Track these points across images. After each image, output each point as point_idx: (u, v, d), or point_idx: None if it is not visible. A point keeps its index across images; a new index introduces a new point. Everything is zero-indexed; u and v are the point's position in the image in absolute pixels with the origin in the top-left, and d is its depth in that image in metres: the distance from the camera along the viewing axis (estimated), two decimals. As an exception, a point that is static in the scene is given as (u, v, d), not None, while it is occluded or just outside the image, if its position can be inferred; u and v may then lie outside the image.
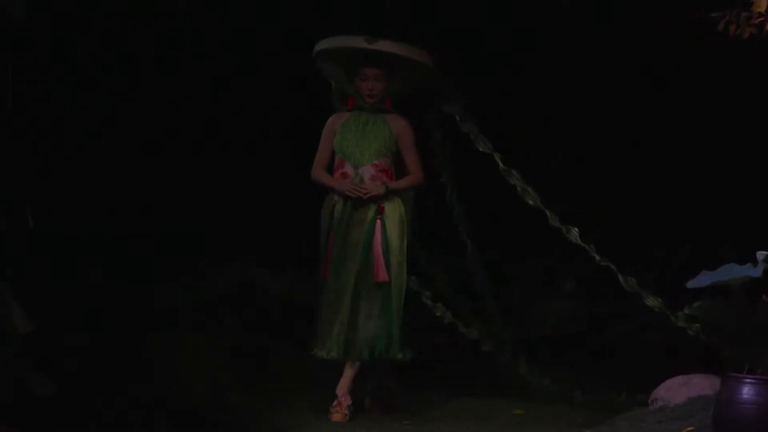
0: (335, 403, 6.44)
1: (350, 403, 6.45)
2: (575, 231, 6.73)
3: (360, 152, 6.57)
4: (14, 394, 5.66)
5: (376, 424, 6.39)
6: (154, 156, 8.10)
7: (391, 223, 6.53)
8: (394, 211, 6.55)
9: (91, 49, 7.84)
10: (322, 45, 6.61)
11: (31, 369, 5.81)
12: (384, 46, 6.48)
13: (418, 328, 6.85)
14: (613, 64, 8.16)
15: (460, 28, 7.90)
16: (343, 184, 6.53)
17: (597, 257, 6.68)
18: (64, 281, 7.26)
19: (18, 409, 5.63)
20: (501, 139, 7.00)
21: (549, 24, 7.96)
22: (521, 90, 8.34)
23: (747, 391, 5.05)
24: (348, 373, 6.51)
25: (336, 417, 6.39)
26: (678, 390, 5.88)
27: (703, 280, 5.15)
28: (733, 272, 5.08)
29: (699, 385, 5.85)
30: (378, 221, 6.52)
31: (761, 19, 5.79)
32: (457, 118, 6.90)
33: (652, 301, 6.66)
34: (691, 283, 5.16)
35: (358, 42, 6.49)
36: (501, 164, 6.83)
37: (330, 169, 6.66)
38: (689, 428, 5.42)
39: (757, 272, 5.02)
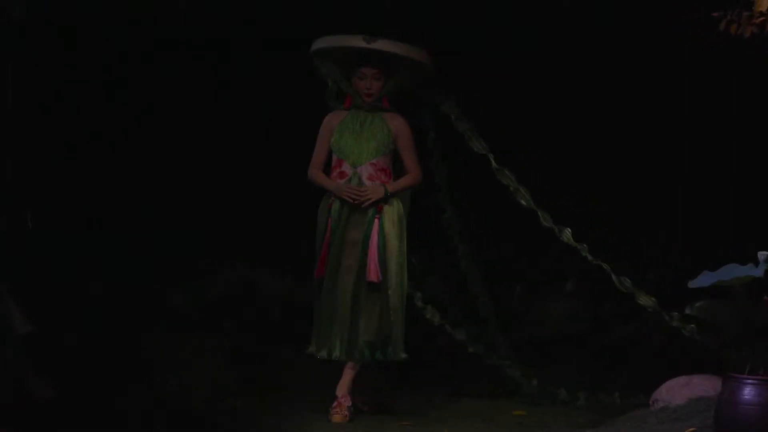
0: (335, 404, 6.43)
1: (350, 404, 6.44)
2: (568, 231, 6.74)
3: (358, 151, 6.55)
4: (13, 395, 5.64)
5: (377, 424, 6.39)
6: (153, 156, 8.10)
7: (390, 223, 6.51)
8: (392, 211, 6.54)
9: (91, 49, 7.83)
10: (320, 44, 6.60)
11: (30, 370, 5.80)
12: (382, 45, 6.47)
13: (418, 329, 6.85)
14: (613, 64, 8.15)
15: (460, 28, 7.89)
16: (342, 189, 6.51)
17: (590, 257, 6.68)
18: (64, 281, 7.26)
19: (17, 411, 5.62)
20: (500, 139, 7.00)
21: (549, 24, 7.94)
22: (521, 90, 8.34)
23: (748, 392, 5.04)
24: (348, 374, 6.50)
25: (336, 418, 6.38)
26: (679, 391, 5.87)
27: (704, 280, 5.14)
28: (734, 272, 5.07)
29: (700, 385, 5.84)
30: (376, 221, 6.51)
31: (763, 18, 5.78)
32: (452, 117, 6.91)
33: (645, 301, 6.67)
34: (693, 283, 5.15)
35: (357, 41, 6.48)
36: (494, 164, 6.83)
37: (327, 168, 6.65)
38: (690, 429, 5.41)
39: (758, 272, 5.01)
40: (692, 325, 6.55)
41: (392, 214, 6.54)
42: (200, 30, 7.91)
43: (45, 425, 5.67)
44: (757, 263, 5.06)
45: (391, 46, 6.48)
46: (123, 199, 7.95)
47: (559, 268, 8.36)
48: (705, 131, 8.15)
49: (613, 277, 6.67)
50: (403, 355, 6.48)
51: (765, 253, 5.05)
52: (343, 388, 6.47)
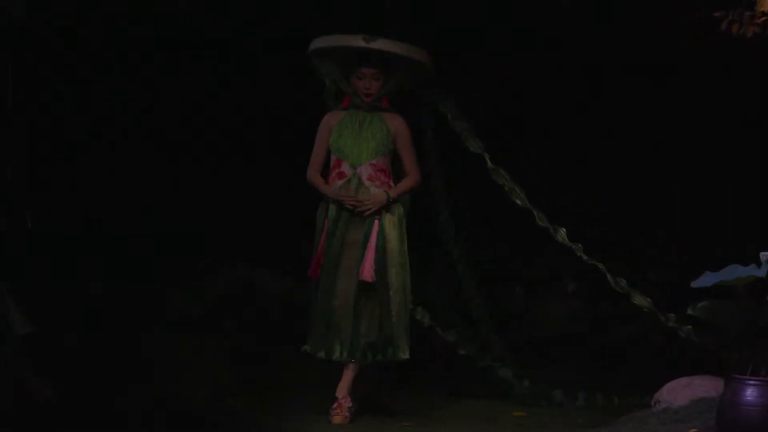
0: (335, 405, 6.41)
1: (351, 405, 6.43)
2: (563, 231, 6.73)
3: (358, 151, 6.53)
4: (13, 396, 5.64)
5: (377, 425, 6.38)
6: (153, 156, 8.09)
7: (390, 225, 6.51)
8: (392, 212, 6.53)
9: (91, 49, 7.82)
10: (319, 43, 6.59)
11: (30, 370, 5.79)
12: (382, 45, 6.46)
13: (415, 330, 6.84)
14: (613, 64, 8.15)
15: (460, 28, 7.89)
16: (342, 197, 6.49)
17: (585, 257, 6.68)
18: (64, 281, 7.25)
19: (17, 411, 5.61)
20: (500, 139, 7.00)
21: (549, 24, 7.94)
22: (521, 90, 8.34)
23: (750, 393, 5.04)
24: (348, 375, 6.48)
25: (336, 419, 6.37)
26: (681, 392, 5.87)
27: (706, 280, 5.13)
28: (736, 273, 5.06)
29: (702, 386, 5.83)
30: (376, 222, 6.50)
31: (765, 18, 5.78)
32: (449, 116, 6.91)
33: (640, 301, 6.68)
34: (695, 284, 5.15)
35: (356, 41, 6.47)
36: (489, 163, 6.83)
37: (326, 168, 6.63)
38: (692, 430, 5.40)
39: (761, 273, 5.01)
40: (689, 326, 6.55)
41: (392, 215, 6.53)
42: (200, 30, 7.91)
43: (45, 425, 5.67)
44: (759, 263, 5.06)
45: (391, 46, 6.47)
46: (123, 199, 7.94)
47: (556, 267, 8.37)
48: (705, 131, 8.16)
49: (609, 277, 6.67)
50: (404, 356, 6.47)
51: (767, 253, 5.05)
52: (343, 389, 6.46)
